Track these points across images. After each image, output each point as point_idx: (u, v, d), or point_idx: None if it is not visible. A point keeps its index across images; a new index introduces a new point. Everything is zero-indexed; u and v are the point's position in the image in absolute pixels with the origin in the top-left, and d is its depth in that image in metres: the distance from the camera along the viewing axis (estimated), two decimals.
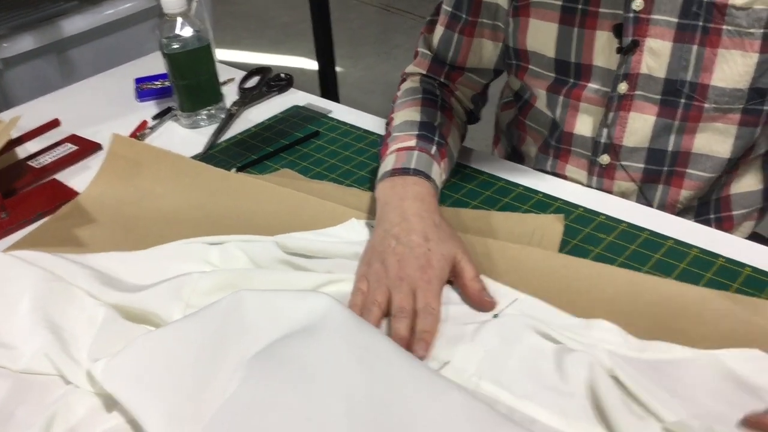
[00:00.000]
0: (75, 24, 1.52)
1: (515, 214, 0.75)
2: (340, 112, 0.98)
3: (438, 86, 0.87)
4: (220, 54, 2.76)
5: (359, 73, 2.92)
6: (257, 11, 3.52)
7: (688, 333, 0.58)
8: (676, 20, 0.69)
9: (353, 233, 0.71)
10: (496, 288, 0.63)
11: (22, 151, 0.92)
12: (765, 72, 0.69)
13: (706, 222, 0.83)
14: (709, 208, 0.84)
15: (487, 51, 0.85)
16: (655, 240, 0.70)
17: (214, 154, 0.90)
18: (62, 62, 1.52)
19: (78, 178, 0.86)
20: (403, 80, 0.90)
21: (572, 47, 0.75)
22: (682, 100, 0.73)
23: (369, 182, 0.82)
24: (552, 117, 0.83)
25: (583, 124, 0.80)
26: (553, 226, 0.72)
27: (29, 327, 0.60)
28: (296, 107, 1.00)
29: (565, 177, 0.84)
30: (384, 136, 0.80)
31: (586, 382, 0.53)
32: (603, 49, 0.74)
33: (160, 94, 1.05)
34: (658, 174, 0.79)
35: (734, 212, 0.84)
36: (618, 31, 0.72)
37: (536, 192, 0.79)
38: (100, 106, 1.04)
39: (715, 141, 0.75)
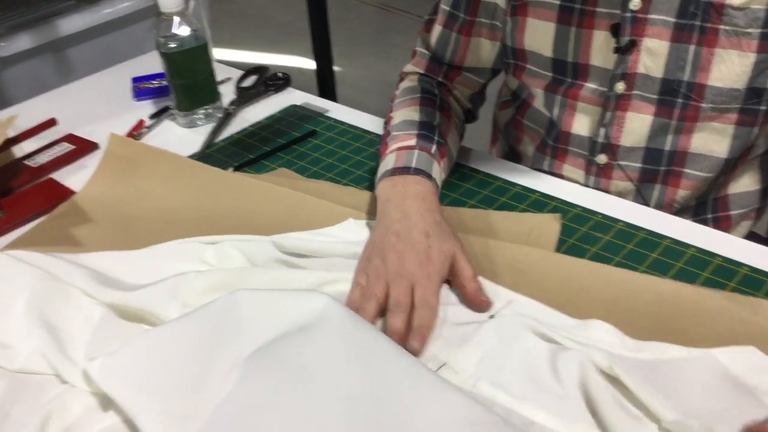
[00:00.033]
0: (72, 23, 1.52)
1: (512, 214, 0.75)
2: (337, 111, 0.98)
3: (436, 85, 0.87)
4: (218, 53, 2.76)
5: (357, 73, 2.92)
6: (255, 10, 3.52)
7: (686, 332, 0.58)
8: (673, 20, 0.69)
9: (350, 233, 0.71)
10: (492, 289, 0.63)
11: (19, 150, 0.92)
12: (762, 72, 0.69)
13: (704, 222, 0.83)
14: (706, 207, 0.84)
15: (485, 50, 0.85)
16: (652, 239, 0.70)
17: (211, 154, 0.90)
18: (59, 61, 1.52)
19: (75, 177, 0.86)
20: (401, 79, 0.90)
21: (569, 47, 0.75)
22: (680, 100, 0.73)
23: (366, 181, 0.82)
24: (549, 116, 0.83)
25: (581, 124, 0.80)
26: (550, 225, 0.72)
27: (25, 326, 0.60)
28: (293, 106, 1.00)
29: (562, 176, 0.84)
30: (383, 135, 0.80)
31: (579, 382, 0.54)
32: (600, 49, 0.74)
33: (157, 93, 1.05)
34: (655, 174, 0.79)
35: (732, 212, 0.84)
36: (615, 30, 0.72)
37: (533, 191, 0.78)
38: (97, 105, 1.04)
39: (712, 141, 0.75)
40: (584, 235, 0.71)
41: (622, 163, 0.79)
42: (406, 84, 0.87)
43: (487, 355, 0.56)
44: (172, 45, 0.90)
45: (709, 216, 0.84)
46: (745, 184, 0.83)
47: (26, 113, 0.98)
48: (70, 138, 0.94)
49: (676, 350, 0.56)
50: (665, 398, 0.51)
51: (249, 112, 1.00)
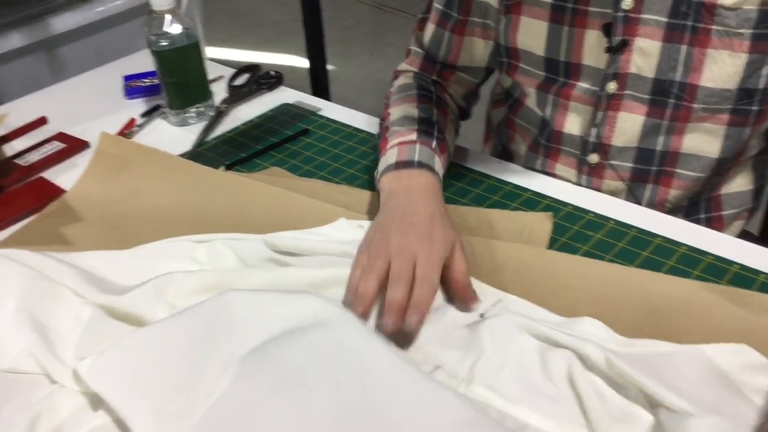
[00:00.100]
0: (64, 21, 1.51)
1: (504, 212, 0.75)
2: (329, 109, 0.97)
3: (431, 83, 0.87)
4: (212, 52, 2.76)
5: (351, 72, 2.92)
6: (249, 9, 3.52)
7: (676, 327, 0.59)
8: (665, 20, 0.69)
9: (342, 233, 0.71)
10: (481, 288, 0.63)
11: (9, 149, 0.91)
12: (753, 72, 0.69)
13: (697, 222, 0.83)
14: (699, 207, 0.84)
15: (478, 49, 0.85)
16: (643, 237, 0.70)
17: (202, 152, 0.90)
18: (51, 59, 1.51)
19: (65, 176, 0.86)
20: (396, 77, 0.90)
21: (562, 46, 0.75)
22: (671, 100, 0.73)
23: (358, 180, 0.82)
24: (542, 115, 0.83)
25: (573, 123, 0.80)
26: (541, 223, 0.72)
27: (14, 326, 0.59)
28: (285, 105, 1.00)
29: (554, 176, 0.84)
30: (381, 131, 0.80)
31: (569, 379, 0.54)
32: (592, 48, 0.74)
33: (148, 91, 1.04)
34: (647, 173, 0.79)
35: (724, 212, 0.84)
36: (607, 30, 0.72)
37: (525, 190, 0.79)
38: (88, 103, 1.03)
39: (704, 141, 0.75)
40: (576, 233, 0.71)
41: (613, 162, 0.79)
42: (401, 81, 0.87)
43: (481, 358, 0.56)
44: (164, 43, 0.90)
45: (702, 216, 0.84)
46: (738, 184, 0.83)
47: (17, 111, 0.97)
48: (60, 136, 0.93)
49: (666, 346, 0.56)
50: (665, 386, 0.51)
51: (241, 111, 0.99)
